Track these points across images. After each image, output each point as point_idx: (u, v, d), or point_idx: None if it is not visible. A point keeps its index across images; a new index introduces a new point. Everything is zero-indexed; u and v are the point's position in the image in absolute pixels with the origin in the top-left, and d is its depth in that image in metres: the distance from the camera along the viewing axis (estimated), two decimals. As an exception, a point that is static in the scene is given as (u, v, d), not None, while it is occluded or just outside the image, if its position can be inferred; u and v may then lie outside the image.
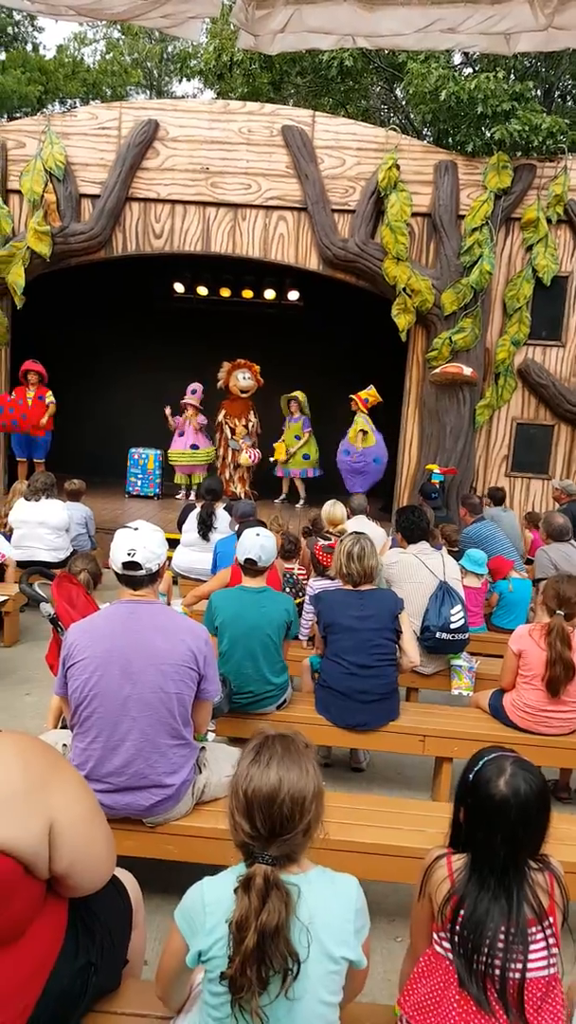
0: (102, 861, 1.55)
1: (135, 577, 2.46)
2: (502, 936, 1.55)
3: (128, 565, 2.43)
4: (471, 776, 1.68)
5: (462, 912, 1.60)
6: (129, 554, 2.42)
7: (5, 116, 17.89)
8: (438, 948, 1.66)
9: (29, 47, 21.03)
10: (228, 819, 1.48)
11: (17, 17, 19.62)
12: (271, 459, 10.51)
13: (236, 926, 1.38)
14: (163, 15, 2.89)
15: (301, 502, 10.50)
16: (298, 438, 10.31)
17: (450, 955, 1.62)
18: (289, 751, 1.48)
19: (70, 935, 1.54)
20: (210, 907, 1.46)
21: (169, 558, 5.88)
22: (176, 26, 2.96)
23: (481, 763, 1.68)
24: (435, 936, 1.67)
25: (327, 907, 1.45)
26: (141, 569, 2.44)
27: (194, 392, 10.07)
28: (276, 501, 10.25)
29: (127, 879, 1.88)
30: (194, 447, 10.01)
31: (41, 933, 1.46)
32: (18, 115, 17.42)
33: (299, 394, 10.36)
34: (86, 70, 21.63)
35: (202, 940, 1.44)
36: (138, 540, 2.45)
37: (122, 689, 2.32)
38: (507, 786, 1.60)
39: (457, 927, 1.60)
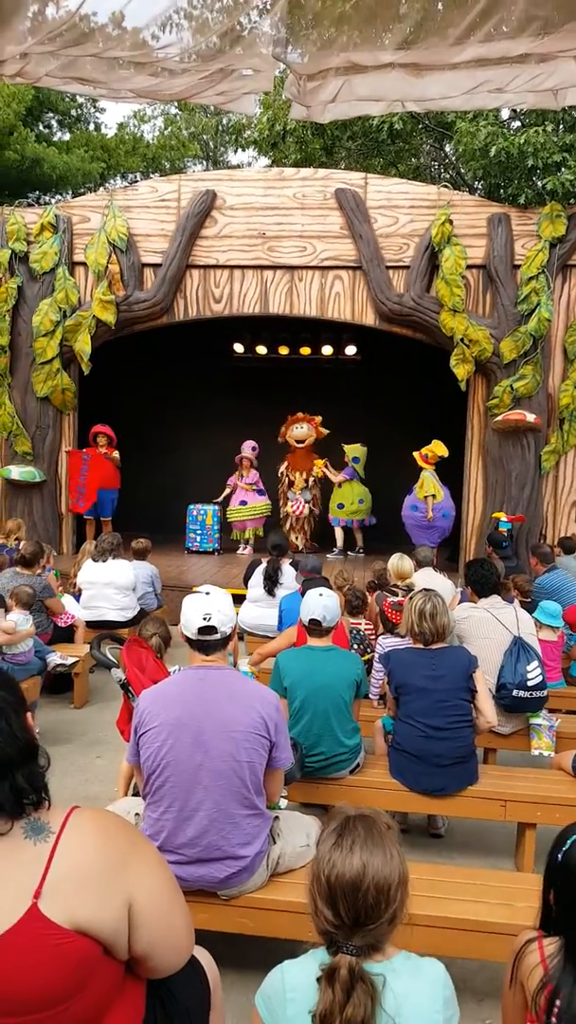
0: (181, 941, 1.52)
1: (210, 642, 2.46)
2: None
3: (204, 630, 2.43)
4: (560, 856, 1.59)
5: (558, 1002, 1.50)
6: (205, 619, 2.43)
7: (70, 193, 18.94)
8: (534, 1038, 1.55)
9: (91, 127, 22.31)
10: (309, 905, 1.43)
11: (80, 100, 20.90)
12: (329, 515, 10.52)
13: (320, 1020, 1.32)
14: (219, 92, 3.04)
15: (359, 549, 10.44)
16: (339, 487, 10.31)
17: (547, 1046, 1.51)
18: (372, 834, 1.43)
19: (148, 1018, 1.50)
20: (291, 994, 1.40)
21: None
22: (231, 102, 3.10)
23: (569, 843, 1.59)
24: (529, 1026, 1.57)
25: (414, 997, 1.38)
26: (217, 633, 2.44)
27: (254, 449, 10.38)
28: (329, 556, 10.18)
29: (204, 958, 1.83)
30: (243, 503, 10.28)
31: (120, 1017, 1.43)
32: (82, 192, 18.43)
33: (350, 449, 10.34)
34: (146, 146, 22.80)
35: None
36: (212, 604, 2.46)
37: (194, 757, 2.30)
38: None
39: (553, 1020, 1.49)
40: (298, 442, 10.37)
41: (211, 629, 2.43)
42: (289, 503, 10.27)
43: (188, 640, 2.50)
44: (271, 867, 2.53)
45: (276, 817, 2.65)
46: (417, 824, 3.96)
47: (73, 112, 21.49)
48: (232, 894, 2.45)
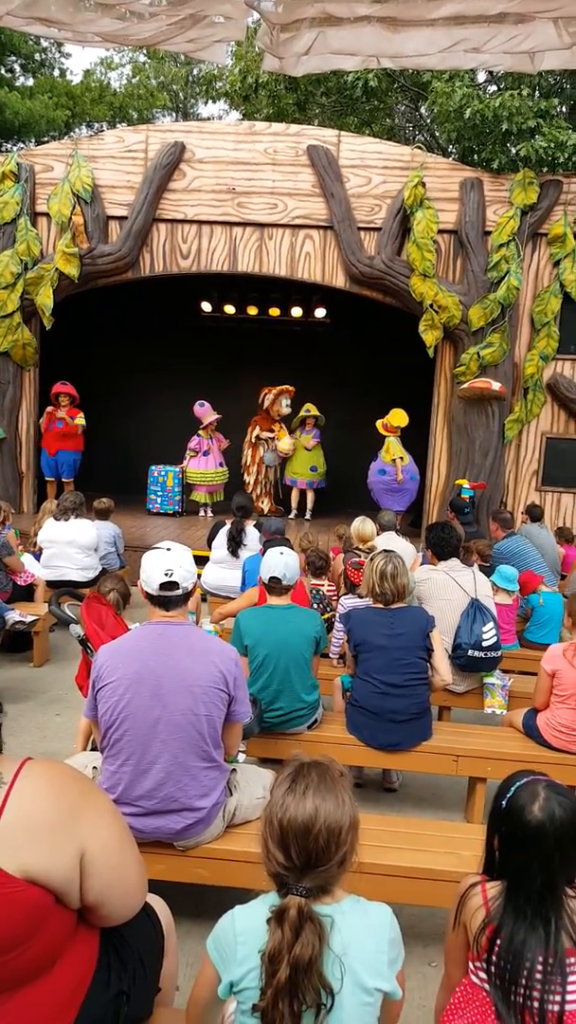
0: (134, 890, 1.53)
1: (171, 597, 2.45)
2: (540, 967, 1.51)
3: (166, 586, 2.43)
4: (503, 803, 1.65)
5: (498, 942, 1.56)
6: (167, 574, 2.42)
7: (33, 141, 18.22)
8: (474, 978, 1.62)
9: (56, 72, 21.40)
10: (261, 848, 1.46)
11: (44, 44, 20.00)
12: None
13: (269, 959, 1.36)
14: (189, 40, 2.93)
15: (307, 514, 10.32)
16: (308, 450, 10.21)
17: (486, 986, 1.58)
18: (325, 780, 1.46)
19: (102, 964, 1.52)
20: (242, 936, 1.44)
21: (198, 576, 5.90)
22: (202, 50, 3.00)
23: (513, 789, 1.65)
24: (471, 966, 1.64)
25: (361, 938, 1.43)
26: (179, 588, 2.44)
27: (202, 406, 10.06)
28: (289, 517, 10.17)
29: (158, 905, 1.86)
30: (221, 465, 10.11)
31: (73, 963, 1.44)
32: (46, 139, 17.74)
33: (312, 407, 10.21)
34: (112, 94, 22.01)
35: (234, 970, 1.42)
36: (173, 560, 2.46)
37: (152, 711, 2.31)
38: (542, 812, 1.57)
39: (494, 957, 1.56)
40: (279, 416, 10.11)
41: (173, 585, 2.42)
42: (260, 449, 10.04)
43: (148, 596, 2.49)
44: (227, 818, 2.56)
45: (233, 770, 2.68)
46: (372, 779, 4.06)
47: (37, 56, 20.56)
48: (188, 845, 2.49)
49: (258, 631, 3.39)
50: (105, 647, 2.47)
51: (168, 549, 2.50)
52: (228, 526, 6.06)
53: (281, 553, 3.49)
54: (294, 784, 1.46)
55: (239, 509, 6.15)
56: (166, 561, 2.45)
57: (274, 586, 3.48)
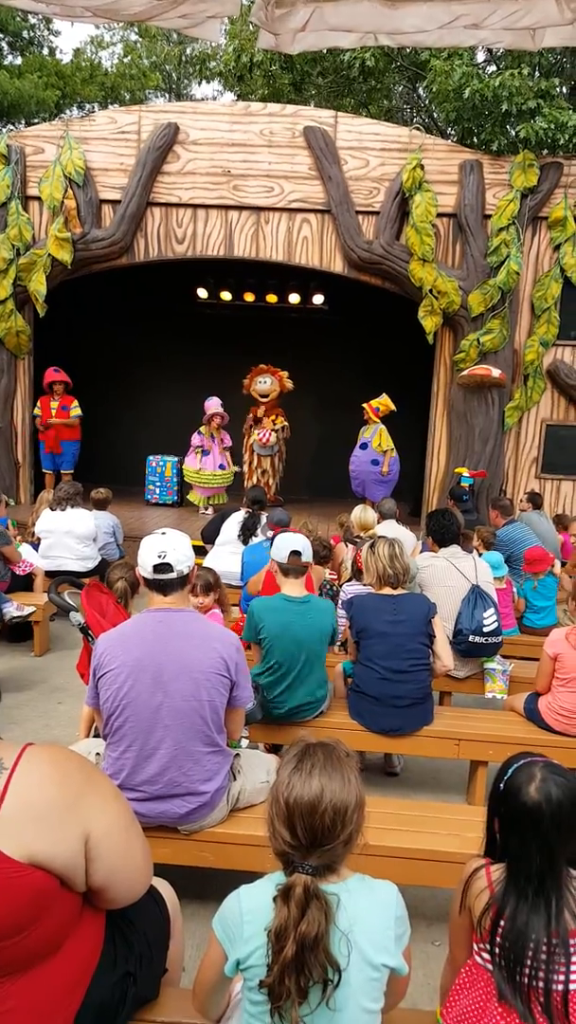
0: (139, 872, 1.54)
1: (166, 581, 2.43)
2: (544, 947, 1.51)
3: (159, 568, 2.41)
4: (502, 785, 1.65)
5: (502, 923, 1.57)
6: (160, 556, 2.40)
7: (23, 122, 17.91)
8: (478, 959, 1.63)
9: (45, 51, 20.88)
10: (267, 827, 1.46)
11: (33, 20, 19.51)
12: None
13: (275, 936, 1.37)
14: (181, 15, 2.87)
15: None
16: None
17: (490, 966, 1.59)
18: (331, 760, 1.47)
19: (108, 947, 1.53)
20: (248, 915, 1.45)
21: (198, 565, 5.85)
22: (195, 26, 2.93)
23: (511, 770, 1.65)
24: (475, 947, 1.65)
25: (367, 915, 1.44)
26: (172, 571, 2.41)
27: (222, 411, 9.60)
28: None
29: (164, 888, 1.87)
30: (222, 467, 9.50)
31: (79, 946, 1.45)
32: (36, 120, 17.45)
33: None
34: (104, 74, 21.57)
35: (240, 948, 1.43)
36: (168, 543, 2.43)
37: (154, 698, 2.31)
38: (538, 792, 1.57)
39: (497, 939, 1.57)
40: (261, 396, 9.70)
41: (166, 567, 2.40)
42: (255, 435, 9.62)
43: (145, 581, 2.48)
44: (231, 802, 2.58)
45: (237, 755, 2.69)
46: (374, 763, 4.08)
47: (25, 34, 20.10)
48: (192, 829, 2.50)
49: (276, 627, 3.32)
50: (105, 635, 2.46)
51: (163, 533, 2.49)
52: (243, 516, 5.93)
53: (295, 535, 3.48)
54: (300, 763, 1.46)
55: (255, 503, 6.03)
56: (160, 544, 2.43)
57: (293, 564, 3.37)
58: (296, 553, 3.36)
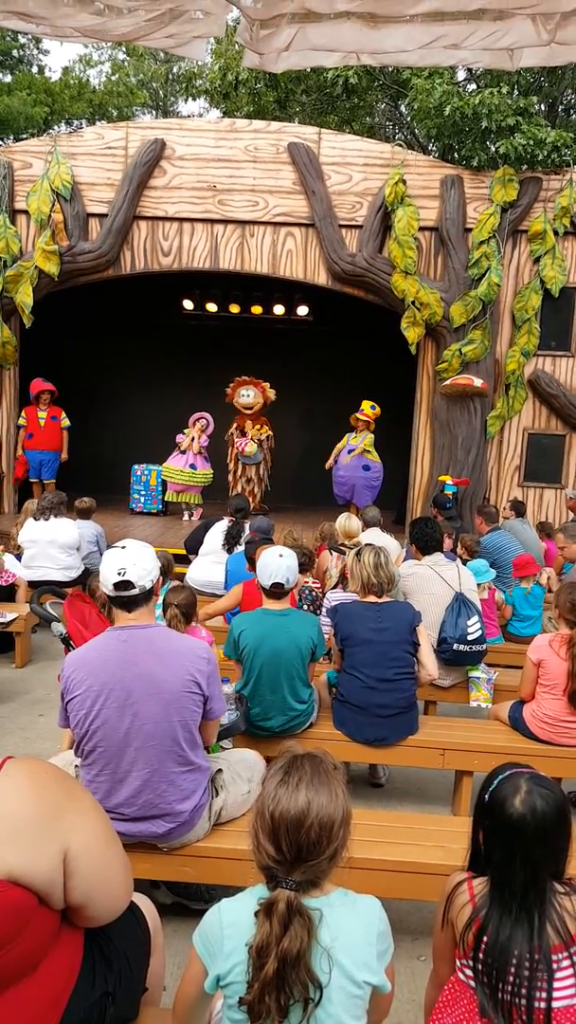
0: (119, 889, 1.50)
1: (128, 598, 2.32)
2: (527, 962, 1.48)
3: (119, 585, 2.29)
4: (486, 796, 1.62)
5: (485, 938, 1.54)
6: (119, 573, 2.28)
7: (11, 137, 17.99)
8: (461, 975, 1.60)
9: (35, 69, 21.12)
10: (251, 840, 1.44)
11: (22, 40, 19.70)
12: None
13: (256, 952, 1.34)
14: (168, 35, 2.91)
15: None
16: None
17: (472, 983, 1.56)
18: (319, 773, 1.44)
19: (87, 965, 1.49)
20: (228, 930, 1.42)
21: (181, 574, 5.84)
22: (181, 46, 2.97)
23: (496, 782, 1.62)
24: (458, 963, 1.62)
25: (349, 931, 1.41)
26: (134, 588, 2.30)
27: (207, 425, 9.91)
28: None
29: (144, 904, 1.83)
30: (192, 467, 9.69)
31: (57, 965, 1.41)
32: (24, 136, 17.55)
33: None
34: (92, 91, 21.77)
35: (220, 964, 1.41)
36: (127, 558, 2.31)
37: (123, 721, 2.23)
38: (523, 804, 1.54)
39: (480, 954, 1.53)
40: (245, 408, 9.86)
41: (127, 584, 2.29)
42: (236, 444, 9.80)
43: (108, 598, 2.39)
44: (213, 818, 2.53)
45: (220, 770, 2.64)
46: (359, 775, 4.05)
47: (15, 52, 20.34)
48: (173, 846, 2.45)
49: (253, 640, 3.25)
50: (71, 656, 2.37)
51: (123, 547, 2.37)
52: (226, 525, 5.96)
53: (280, 555, 3.31)
54: (287, 776, 1.43)
55: (239, 511, 6.04)
56: (119, 560, 2.30)
57: (275, 592, 3.32)
58: (278, 585, 3.29)
